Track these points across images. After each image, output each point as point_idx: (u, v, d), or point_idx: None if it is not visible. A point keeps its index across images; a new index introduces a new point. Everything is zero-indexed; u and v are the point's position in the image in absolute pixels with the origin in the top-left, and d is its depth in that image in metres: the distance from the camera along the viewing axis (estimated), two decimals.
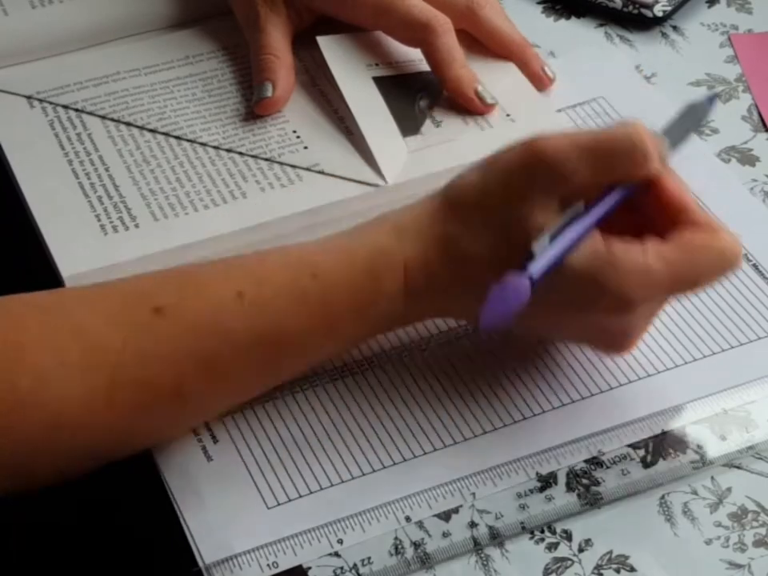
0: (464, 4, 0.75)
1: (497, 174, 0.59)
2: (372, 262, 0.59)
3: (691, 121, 0.64)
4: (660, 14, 0.81)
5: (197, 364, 0.57)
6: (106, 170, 0.71)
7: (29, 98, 0.75)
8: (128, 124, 0.73)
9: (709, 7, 0.84)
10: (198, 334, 0.57)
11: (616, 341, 0.61)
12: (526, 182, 0.58)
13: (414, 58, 0.76)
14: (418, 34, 0.73)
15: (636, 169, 0.58)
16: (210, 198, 0.70)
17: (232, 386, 0.60)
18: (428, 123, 0.73)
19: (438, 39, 0.73)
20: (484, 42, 0.76)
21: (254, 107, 0.74)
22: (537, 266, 0.56)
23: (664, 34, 0.82)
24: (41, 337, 0.56)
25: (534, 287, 0.56)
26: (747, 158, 0.74)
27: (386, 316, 0.61)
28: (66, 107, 0.75)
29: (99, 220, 0.69)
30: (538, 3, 0.84)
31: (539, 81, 0.76)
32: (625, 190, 0.59)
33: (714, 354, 0.65)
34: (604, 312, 0.59)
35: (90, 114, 0.74)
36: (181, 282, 0.59)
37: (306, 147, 0.72)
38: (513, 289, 0.55)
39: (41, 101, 0.75)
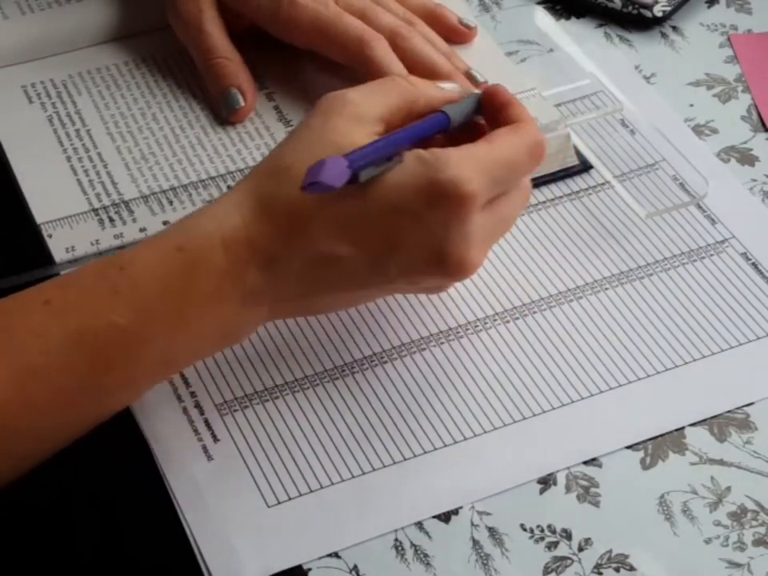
0: (388, 33, 0.73)
1: None
2: (184, 242, 0.57)
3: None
4: (659, 15, 0.81)
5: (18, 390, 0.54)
6: (105, 167, 0.71)
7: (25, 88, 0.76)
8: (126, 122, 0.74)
9: (708, 7, 0.84)
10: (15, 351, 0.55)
11: (450, 260, 0.58)
12: None
13: None
14: (352, 49, 0.72)
15: None
16: (207, 193, 0.70)
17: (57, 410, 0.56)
18: None
19: (372, 52, 0.72)
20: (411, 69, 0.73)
21: (229, 117, 0.74)
22: (355, 153, 0.55)
23: (663, 35, 0.82)
24: None
25: (354, 170, 0.54)
26: (746, 158, 0.74)
27: (214, 299, 0.57)
28: (63, 101, 0.75)
29: (98, 215, 0.69)
30: (538, 3, 0.84)
31: None
32: (442, 114, 0.60)
33: (714, 353, 0.65)
34: (434, 209, 0.57)
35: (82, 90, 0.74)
36: None
37: None
38: (330, 167, 0.53)
39: (39, 95, 0.75)
